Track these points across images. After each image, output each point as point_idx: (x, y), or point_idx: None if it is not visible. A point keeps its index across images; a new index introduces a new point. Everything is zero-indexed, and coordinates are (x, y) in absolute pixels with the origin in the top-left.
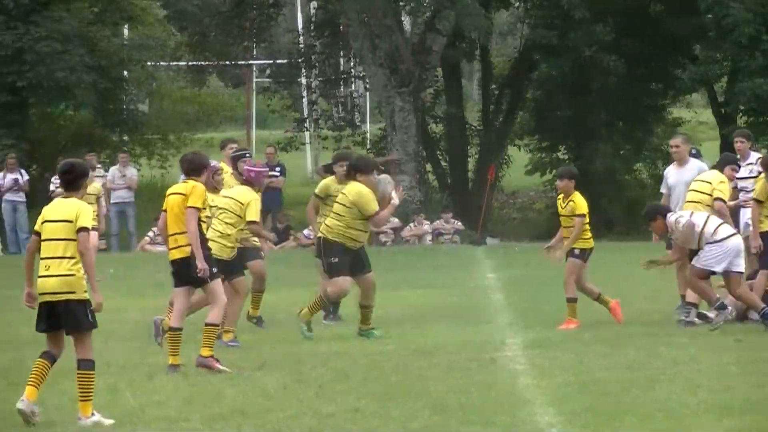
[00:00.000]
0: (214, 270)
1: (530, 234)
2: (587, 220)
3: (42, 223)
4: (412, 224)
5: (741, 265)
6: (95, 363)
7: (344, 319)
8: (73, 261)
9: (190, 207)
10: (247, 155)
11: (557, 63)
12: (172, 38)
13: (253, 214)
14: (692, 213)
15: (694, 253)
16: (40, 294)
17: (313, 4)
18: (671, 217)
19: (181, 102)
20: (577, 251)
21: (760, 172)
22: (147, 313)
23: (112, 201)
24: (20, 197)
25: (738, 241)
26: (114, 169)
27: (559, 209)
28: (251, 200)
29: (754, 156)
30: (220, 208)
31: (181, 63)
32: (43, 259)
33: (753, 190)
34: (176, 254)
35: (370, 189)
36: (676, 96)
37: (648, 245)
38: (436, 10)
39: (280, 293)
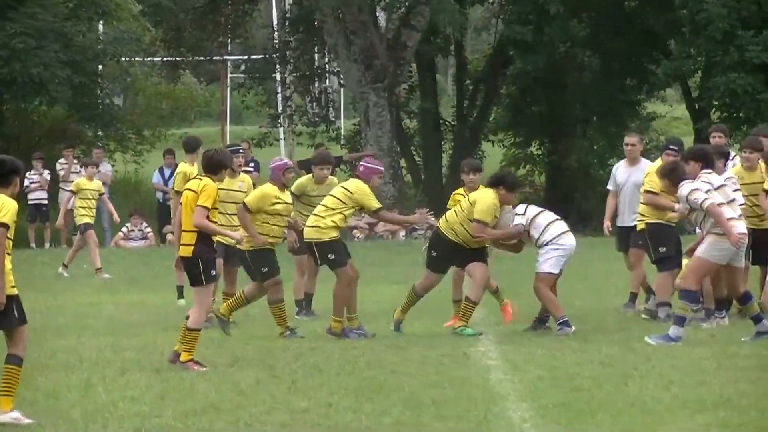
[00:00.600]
0: (213, 273)
1: None
2: None
3: None
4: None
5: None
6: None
7: (318, 315)
8: None
9: (200, 206)
10: (241, 151)
11: (532, 59)
12: (147, 34)
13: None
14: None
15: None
16: None
17: (289, 0)
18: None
19: (155, 97)
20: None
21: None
22: (121, 308)
23: None
24: None
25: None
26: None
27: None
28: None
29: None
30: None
31: (156, 59)
32: None
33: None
34: (181, 251)
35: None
36: (650, 91)
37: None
38: (411, 5)
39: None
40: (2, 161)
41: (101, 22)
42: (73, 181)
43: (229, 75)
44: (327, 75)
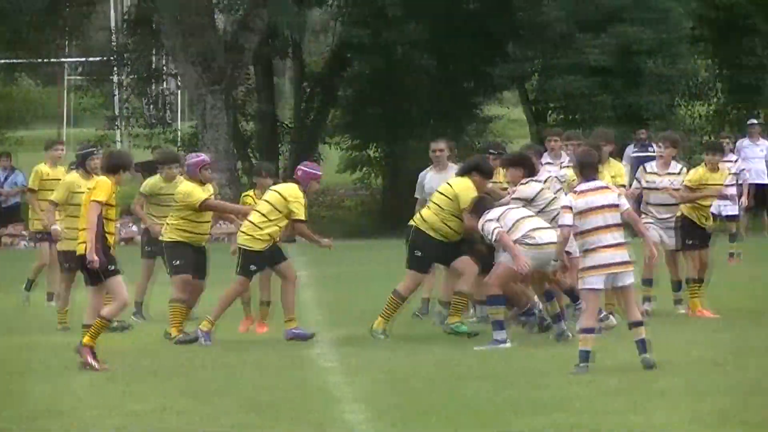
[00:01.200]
0: (111, 267)
1: (341, 231)
2: None
3: None
4: (220, 222)
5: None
6: None
7: (152, 317)
8: None
9: (93, 200)
10: (96, 153)
11: (370, 61)
12: None
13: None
14: None
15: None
16: None
17: (127, 2)
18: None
19: None
20: None
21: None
22: None
23: None
24: None
25: None
26: None
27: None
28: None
29: (567, 158)
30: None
31: None
32: None
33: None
34: (79, 249)
35: None
36: (488, 94)
37: None
38: (249, 8)
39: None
40: None
41: None
42: None
43: (66, 77)
44: (165, 77)
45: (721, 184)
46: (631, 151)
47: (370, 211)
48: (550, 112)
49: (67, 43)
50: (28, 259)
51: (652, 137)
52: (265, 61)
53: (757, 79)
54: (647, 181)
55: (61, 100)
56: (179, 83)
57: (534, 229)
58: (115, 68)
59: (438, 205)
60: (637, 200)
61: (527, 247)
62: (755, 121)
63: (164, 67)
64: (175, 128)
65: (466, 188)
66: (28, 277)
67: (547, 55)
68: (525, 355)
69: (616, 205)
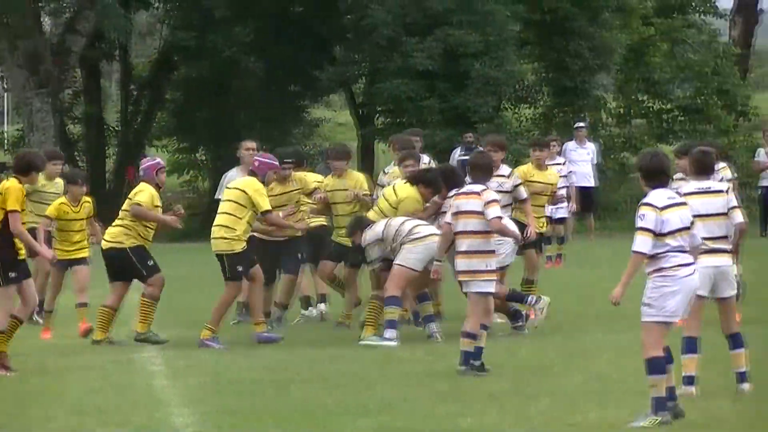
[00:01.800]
0: (11, 275)
1: (168, 234)
2: None
3: None
4: None
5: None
6: None
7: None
8: None
9: (10, 211)
10: None
11: (196, 64)
12: None
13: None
14: None
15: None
16: None
17: None
18: None
19: None
20: None
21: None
22: None
23: None
24: None
25: None
26: None
27: None
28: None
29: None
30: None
31: None
32: None
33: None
34: None
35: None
36: (315, 97)
37: None
38: (76, 11)
39: None
40: None
41: None
42: None
43: None
44: None
45: (548, 183)
46: (458, 153)
47: (197, 214)
48: (377, 115)
49: None
50: None
51: (479, 140)
52: (92, 64)
53: (583, 82)
54: None
55: None
56: (5, 86)
57: (416, 226)
58: None
59: (379, 211)
60: None
61: (415, 241)
62: (582, 124)
63: None
64: (2, 131)
65: (409, 197)
66: None
67: (374, 58)
68: (353, 358)
69: (481, 213)
